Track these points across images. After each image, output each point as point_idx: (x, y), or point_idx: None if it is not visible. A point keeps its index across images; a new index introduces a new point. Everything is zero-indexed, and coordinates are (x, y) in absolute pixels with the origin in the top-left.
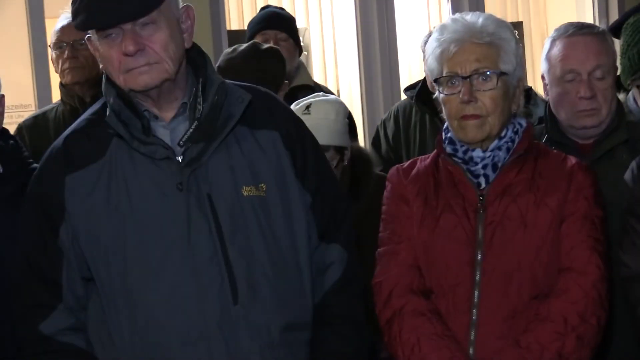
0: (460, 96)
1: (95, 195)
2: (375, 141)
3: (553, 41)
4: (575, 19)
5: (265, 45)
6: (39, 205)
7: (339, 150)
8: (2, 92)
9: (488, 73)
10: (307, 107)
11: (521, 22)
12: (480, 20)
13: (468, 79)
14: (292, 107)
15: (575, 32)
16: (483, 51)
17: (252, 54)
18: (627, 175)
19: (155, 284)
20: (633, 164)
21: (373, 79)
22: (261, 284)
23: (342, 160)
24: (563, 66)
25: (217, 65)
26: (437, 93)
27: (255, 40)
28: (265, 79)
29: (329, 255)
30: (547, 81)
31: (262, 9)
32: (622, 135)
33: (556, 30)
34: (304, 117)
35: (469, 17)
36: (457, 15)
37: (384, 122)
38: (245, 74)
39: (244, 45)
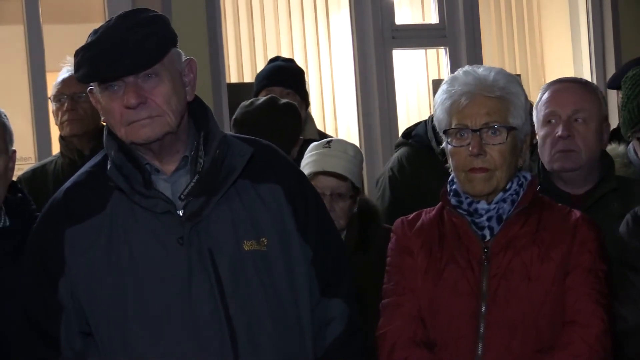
0: (470, 149)
1: (95, 249)
2: (383, 192)
3: (543, 91)
4: (572, 72)
5: (283, 101)
6: (39, 258)
7: (354, 189)
8: (14, 148)
9: (498, 127)
10: (328, 142)
11: (519, 75)
12: (492, 74)
13: (478, 132)
14: (312, 145)
15: (562, 80)
16: (494, 105)
17: (268, 108)
18: (622, 228)
19: (155, 339)
20: (628, 217)
21: (372, 129)
22: (262, 340)
23: (354, 202)
24: (545, 109)
25: (233, 117)
26: (444, 144)
27: (262, 95)
28: (280, 133)
29: (331, 311)
30: (536, 129)
31: (271, 60)
32: (611, 184)
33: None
34: (324, 150)
35: (481, 70)
36: (468, 67)
37: (392, 170)
38: (260, 128)
39: (262, 99)
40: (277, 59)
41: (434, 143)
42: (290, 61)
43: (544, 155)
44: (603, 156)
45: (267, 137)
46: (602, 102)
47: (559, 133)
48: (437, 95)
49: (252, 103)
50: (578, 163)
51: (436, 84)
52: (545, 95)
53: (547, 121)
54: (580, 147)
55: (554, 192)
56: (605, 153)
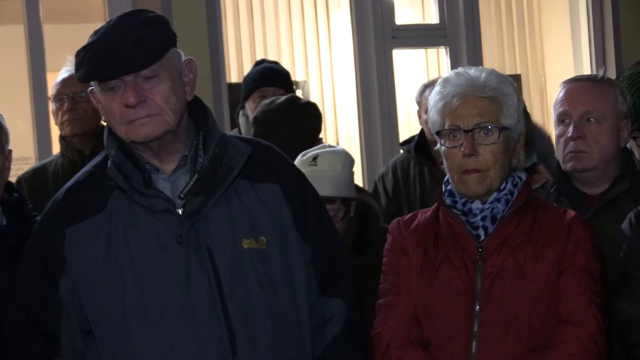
0: (462, 150)
1: (95, 248)
2: (374, 196)
3: (559, 89)
4: (573, 71)
5: (303, 100)
6: (39, 257)
7: (346, 201)
8: (10, 147)
9: (490, 127)
10: (314, 158)
11: (519, 75)
12: (483, 75)
13: (470, 133)
14: (298, 158)
15: (577, 78)
16: (485, 105)
17: (290, 107)
18: (625, 225)
19: (155, 337)
20: (631, 214)
21: (372, 132)
22: (260, 338)
23: (348, 211)
24: (558, 109)
25: (254, 115)
26: (438, 145)
27: (254, 97)
28: (301, 133)
29: (329, 309)
30: (553, 128)
31: (257, 63)
32: (624, 185)
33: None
34: (310, 168)
35: (472, 71)
36: (460, 69)
37: (382, 177)
38: (282, 127)
39: (282, 98)
40: (263, 61)
41: (412, 145)
42: (277, 63)
43: (559, 155)
44: (625, 154)
45: (289, 135)
46: (619, 100)
47: (569, 134)
48: (430, 97)
49: (272, 102)
50: (590, 164)
51: None
52: (560, 94)
53: (560, 120)
54: (591, 148)
55: (570, 191)
56: (627, 151)
